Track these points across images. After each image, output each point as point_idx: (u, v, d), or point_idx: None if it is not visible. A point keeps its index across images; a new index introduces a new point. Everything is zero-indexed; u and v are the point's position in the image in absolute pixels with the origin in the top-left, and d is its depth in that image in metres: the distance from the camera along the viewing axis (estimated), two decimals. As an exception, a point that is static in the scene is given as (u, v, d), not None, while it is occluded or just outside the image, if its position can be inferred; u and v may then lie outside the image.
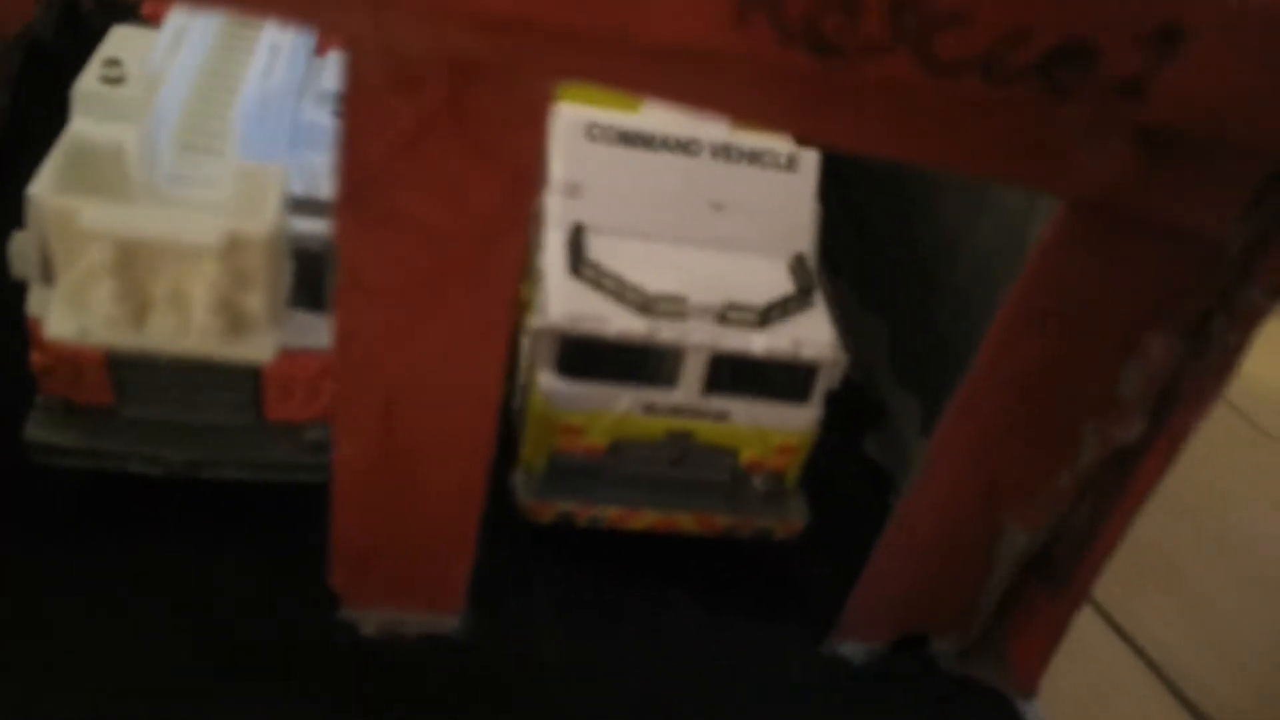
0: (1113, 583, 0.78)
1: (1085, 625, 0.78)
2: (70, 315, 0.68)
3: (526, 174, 0.56)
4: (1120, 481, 0.70)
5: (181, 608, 0.71)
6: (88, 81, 0.73)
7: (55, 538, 0.74)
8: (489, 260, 0.58)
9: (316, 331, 0.72)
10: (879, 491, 0.90)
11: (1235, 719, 0.83)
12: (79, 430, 0.73)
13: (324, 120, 0.79)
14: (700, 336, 0.73)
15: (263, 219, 0.67)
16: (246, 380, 0.73)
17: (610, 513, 0.78)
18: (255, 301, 0.68)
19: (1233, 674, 0.85)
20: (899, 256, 0.99)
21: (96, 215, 0.65)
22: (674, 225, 0.79)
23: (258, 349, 0.70)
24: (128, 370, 0.72)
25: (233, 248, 0.66)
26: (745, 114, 0.56)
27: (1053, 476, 0.70)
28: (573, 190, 0.78)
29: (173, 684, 0.67)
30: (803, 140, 0.79)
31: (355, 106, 0.53)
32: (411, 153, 0.54)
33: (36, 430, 0.72)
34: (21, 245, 0.68)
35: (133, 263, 0.66)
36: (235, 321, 0.69)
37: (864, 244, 1.04)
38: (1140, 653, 0.85)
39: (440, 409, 0.64)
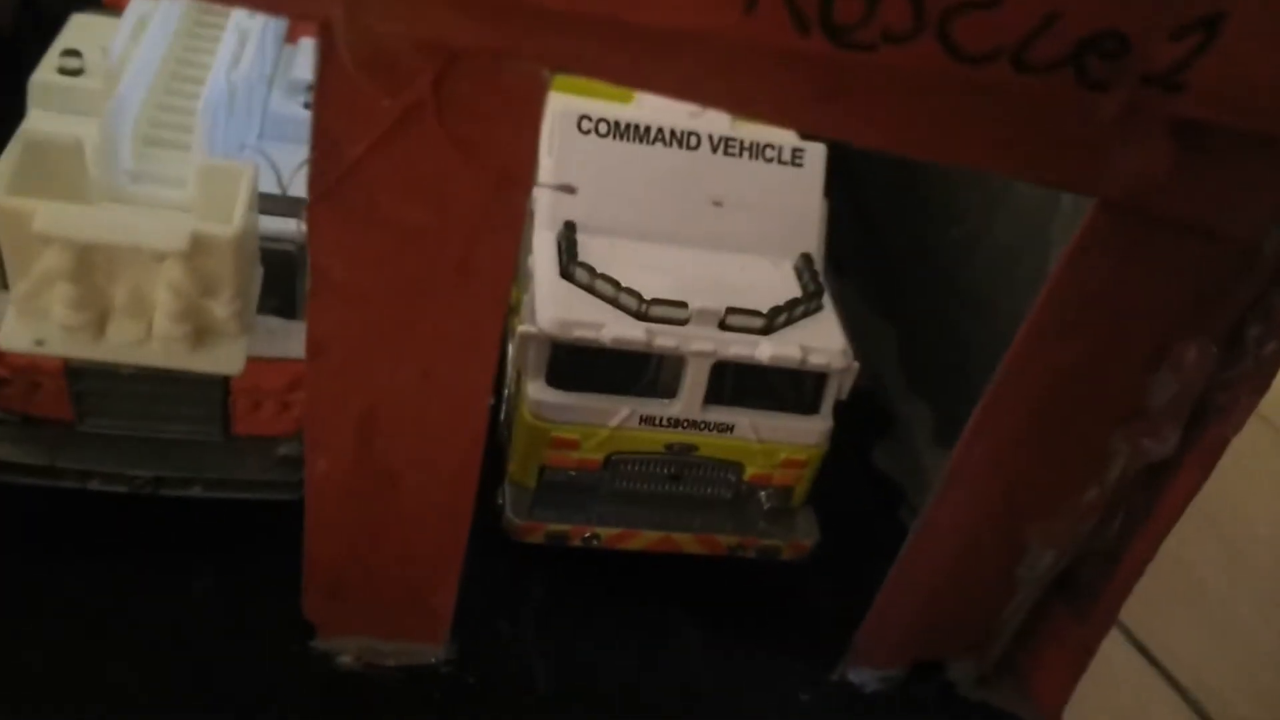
0: (1133, 598, 0.74)
1: (1107, 644, 0.73)
2: (26, 324, 0.64)
3: (516, 171, 0.52)
4: (1151, 497, 0.66)
5: (147, 636, 0.66)
6: (45, 73, 0.69)
7: (12, 561, 0.69)
8: (476, 263, 0.54)
9: (288, 340, 0.68)
10: (889, 505, 0.86)
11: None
12: (37, 446, 0.68)
13: (296, 112, 0.74)
14: (702, 344, 0.69)
15: (230, 220, 0.62)
16: (213, 392, 0.68)
17: (606, 532, 0.73)
18: (222, 308, 0.64)
19: (1261, 697, 0.81)
20: (910, 256, 0.94)
21: (52, 217, 0.60)
22: (672, 224, 0.74)
23: (226, 360, 0.65)
24: (88, 383, 0.67)
25: (198, 250, 0.61)
26: (753, 108, 0.51)
27: (1080, 491, 0.66)
28: (563, 187, 0.73)
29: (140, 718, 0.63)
30: (816, 136, 0.75)
31: (330, 97, 0.48)
32: (391, 147, 0.49)
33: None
34: None
35: (91, 268, 0.62)
36: (201, 330, 0.64)
37: (872, 244, 1.00)
38: (1165, 674, 0.81)
39: (423, 423, 0.59)
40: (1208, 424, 0.62)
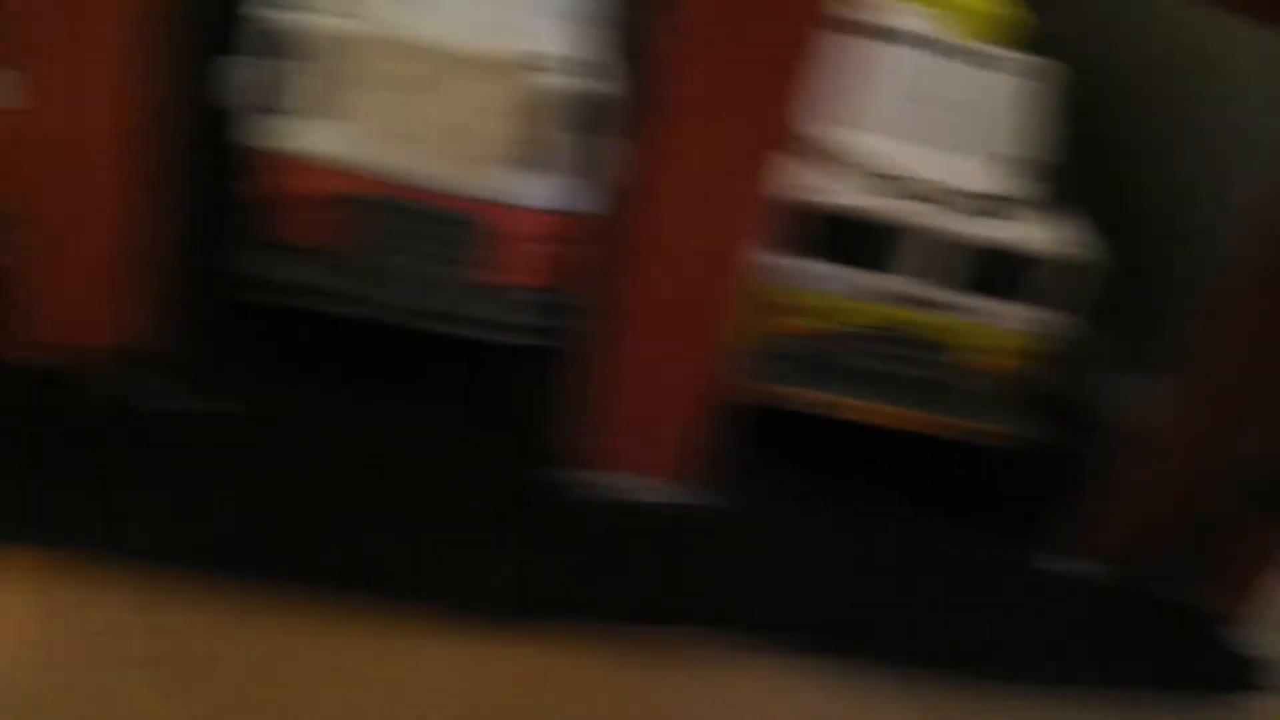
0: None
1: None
2: (330, 133, 0.68)
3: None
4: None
5: (391, 460, 0.68)
6: None
7: (265, 378, 0.71)
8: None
9: (551, 190, 0.71)
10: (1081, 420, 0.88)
11: None
12: (315, 270, 0.71)
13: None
14: (933, 220, 0.72)
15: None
16: (474, 232, 0.71)
17: (821, 398, 0.76)
18: (536, 137, 0.68)
19: None
20: (1133, 189, 0.95)
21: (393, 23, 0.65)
22: (889, 118, 0.77)
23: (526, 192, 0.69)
24: (357, 210, 0.70)
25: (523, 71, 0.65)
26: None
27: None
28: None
29: (364, 522, 0.63)
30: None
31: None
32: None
33: (251, 265, 0.71)
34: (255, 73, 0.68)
35: (414, 78, 0.66)
36: (502, 157, 0.68)
37: (1094, 170, 1.00)
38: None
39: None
40: None
